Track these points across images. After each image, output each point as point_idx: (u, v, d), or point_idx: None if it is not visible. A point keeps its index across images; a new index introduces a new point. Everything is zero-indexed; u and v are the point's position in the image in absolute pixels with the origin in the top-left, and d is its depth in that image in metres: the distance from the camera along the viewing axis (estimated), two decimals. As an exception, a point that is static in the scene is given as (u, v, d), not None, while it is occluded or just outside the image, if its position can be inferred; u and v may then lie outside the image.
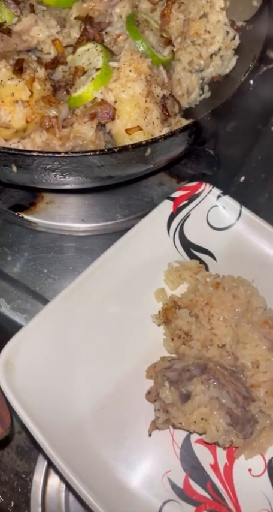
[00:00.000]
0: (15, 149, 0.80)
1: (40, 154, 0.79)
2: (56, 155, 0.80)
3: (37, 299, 1.09)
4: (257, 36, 1.07)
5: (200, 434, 0.90)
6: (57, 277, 1.12)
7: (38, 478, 1.19)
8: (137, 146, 0.83)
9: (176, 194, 1.15)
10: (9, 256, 1.13)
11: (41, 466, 1.21)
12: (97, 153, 0.81)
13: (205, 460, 0.91)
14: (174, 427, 0.91)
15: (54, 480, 1.19)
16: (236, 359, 0.93)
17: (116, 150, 0.82)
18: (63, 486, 1.18)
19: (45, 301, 1.09)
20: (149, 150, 0.85)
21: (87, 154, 0.80)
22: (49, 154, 0.80)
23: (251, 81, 0.97)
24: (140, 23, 1.13)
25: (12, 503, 1.45)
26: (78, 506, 1.18)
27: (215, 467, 0.91)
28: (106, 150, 0.82)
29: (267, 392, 0.90)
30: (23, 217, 1.16)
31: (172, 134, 0.86)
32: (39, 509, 1.17)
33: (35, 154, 0.78)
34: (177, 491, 0.89)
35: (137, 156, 0.86)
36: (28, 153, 0.79)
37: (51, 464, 1.08)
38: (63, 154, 0.80)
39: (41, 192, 1.18)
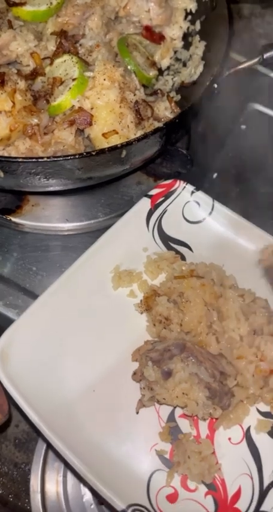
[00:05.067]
0: (1, 156, 0.88)
1: (24, 160, 0.86)
2: (39, 160, 0.88)
3: (28, 295, 1.17)
4: (220, 43, 1.16)
5: (182, 408, 0.98)
6: (45, 274, 1.20)
7: (36, 467, 1.26)
8: (113, 149, 0.91)
9: (153, 192, 1.24)
10: (-1, 256, 1.21)
11: (39, 456, 1.28)
12: (77, 156, 0.89)
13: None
14: (158, 402, 0.99)
15: (51, 469, 1.26)
16: (222, 334, 1.01)
17: (94, 153, 0.90)
18: (61, 474, 1.25)
19: (35, 297, 1.16)
20: (124, 152, 0.93)
21: (67, 158, 0.88)
22: (33, 160, 0.87)
23: (215, 85, 1.06)
24: (130, 45, 1.25)
25: (13, 493, 1.52)
26: (76, 490, 1.25)
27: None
28: (84, 154, 0.91)
29: (251, 363, 0.98)
30: (10, 219, 1.24)
31: (144, 136, 0.95)
32: (39, 496, 1.23)
33: (20, 160, 0.86)
34: (164, 461, 0.98)
35: (113, 157, 0.94)
36: (13, 159, 0.87)
37: (49, 446, 1.14)
38: (45, 159, 0.88)
39: (27, 195, 1.25)
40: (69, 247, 1.24)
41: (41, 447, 1.30)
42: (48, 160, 0.88)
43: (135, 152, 0.97)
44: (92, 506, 1.24)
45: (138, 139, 0.93)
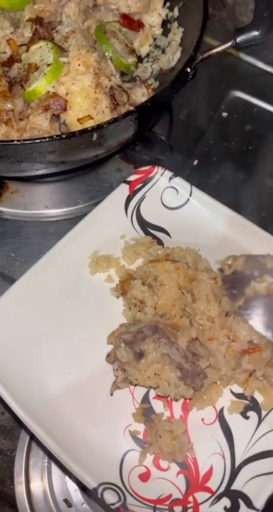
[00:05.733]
0: None
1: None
2: (10, 143, 0.89)
3: (6, 281, 1.18)
4: (196, 29, 1.17)
5: (155, 389, 1.00)
6: (24, 260, 1.21)
7: (20, 453, 1.27)
8: (83, 132, 0.92)
9: (132, 178, 1.25)
10: (-22, 242, 1.22)
11: (23, 442, 1.29)
12: (47, 139, 0.90)
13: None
14: (131, 384, 1.00)
15: (36, 455, 1.27)
16: (193, 316, 1.02)
17: (64, 135, 0.91)
18: (45, 461, 1.26)
19: (13, 282, 1.18)
20: (95, 135, 0.94)
21: (37, 141, 0.89)
22: (3, 142, 0.88)
23: (188, 69, 1.07)
24: (108, 32, 1.25)
25: (-2, 480, 1.51)
26: (60, 476, 1.26)
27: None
28: (54, 136, 0.92)
29: (223, 344, 1.00)
30: (-12, 206, 1.25)
31: (115, 120, 0.95)
32: (23, 482, 1.24)
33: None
34: (137, 442, 0.99)
35: (85, 141, 0.95)
36: (-17, 142, 0.88)
37: (33, 438, 1.15)
38: (15, 142, 0.89)
39: (6, 182, 1.26)
40: (49, 234, 1.25)
41: (26, 433, 1.32)
42: (18, 143, 0.89)
43: (107, 136, 0.98)
44: (76, 491, 1.25)
45: (109, 122, 0.94)
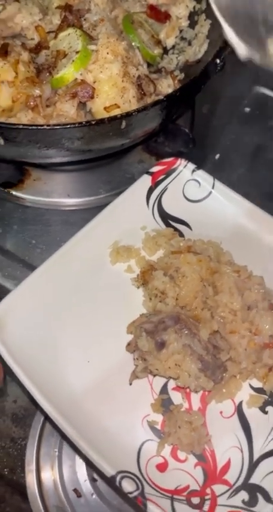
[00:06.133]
0: (2, 122, 0.89)
1: (25, 127, 0.87)
2: (39, 127, 0.89)
3: (26, 267, 1.18)
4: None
5: (175, 380, 0.99)
6: (45, 248, 1.21)
7: (32, 441, 1.27)
8: (113, 119, 0.92)
9: (154, 169, 1.24)
10: (-1, 228, 1.22)
11: (35, 430, 1.29)
12: (76, 125, 0.90)
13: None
14: (151, 373, 1.00)
15: (47, 444, 1.28)
16: (215, 308, 1.02)
17: (93, 122, 0.91)
18: (56, 450, 1.26)
19: (33, 269, 1.18)
20: (124, 123, 0.94)
21: (67, 126, 0.89)
22: (33, 127, 0.88)
23: (218, 61, 1.06)
24: (135, 22, 1.25)
25: (8, 467, 1.53)
26: (70, 466, 1.27)
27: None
28: (84, 123, 0.92)
29: (244, 337, 0.99)
30: (11, 193, 1.25)
31: (144, 108, 0.95)
32: (34, 470, 1.25)
33: (20, 127, 0.87)
34: (155, 432, 0.99)
35: (113, 128, 0.95)
36: (14, 126, 0.88)
37: (47, 419, 1.16)
38: (45, 127, 0.89)
39: (28, 170, 1.26)
40: (70, 222, 1.25)
41: (38, 421, 1.32)
42: (48, 128, 0.89)
43: (135, 124, 0.98)
44: (86, 482, 1.26)
45: (138, 111, 0.94)
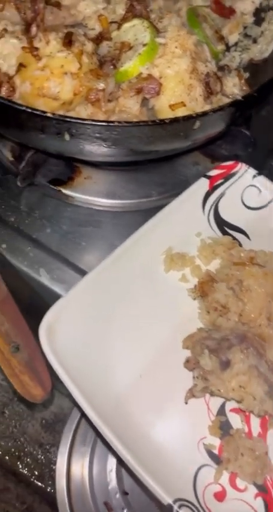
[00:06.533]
0: (71, 117, 0.82)
1: (96, 123, 0.81)
2: (110, 124, 0.82)
3: (75, 270, 1.12)
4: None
5: (238, 402, 0.92)
6: (95, 250, 1.15)
7: (63, 450, 1.22)
8: (188, 118, 0.85)
9: (213, 173, 1.17)
10: (48, 228, 1.16)
11: (67, 438, 1.24)
12: (149, 123, 0.83)
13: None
14: (212, 394, 0.93)
15: (78, 453, 1.23)
16: None
17: (167, 121, 0.84)
18: (87, 459, 1.21)
19: (83, 273, 1.12)
20: (197, 123, 0.87)
21: (140, 124, 0.83)
22: (104, 123, 0.82)
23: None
24: (200, 16, 1.18)
25: (36, 473, 1.48)
26: (101, 477, 1.21)
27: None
28: (157, 121, 0.85)
29: None
30: (60, 191, 1.19)
31: (220, 108, 0.88)
32: (64, 479, 1.20)
33: (94, 123, 0.80)
34: (212, 457, 0.92)
35: (185, 128, 0.88)
36: (83, 121, 0.81)
37: (95, 430, 1.10)
38: (116, 123, 0.82)
39: (79, 167, 1.20)
40: (120, 225, 1.18)
41: (70, 429, 1.27)
42: (120, 125, 0.82)
43: (208, 125, 0.91)
44: (117, 496, 1.21)
45: (214, 111, 0.87)
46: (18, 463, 1.49)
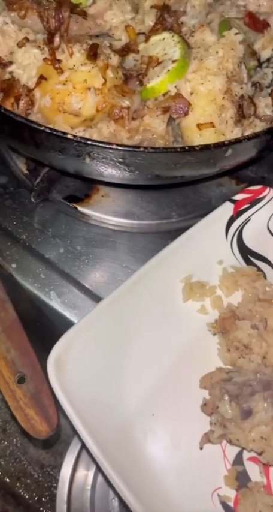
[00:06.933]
0: (93, 140, 0.76)
1: (118, 148, 0.74)
2: (135, 149, 0.75)
3: (88, 295, 1.06)
4: None
5: (258, 454, 0.85)
6: (110, 274, 1.08)
7: (65, 472, 1.16)
8: (219, 146, 0.78)
9: (238, 197, 1.10)
10: (61, 248, 1.09)
11: (70, 460, 1.18)
12: (178, 149, 0.76)
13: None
14: (230, 443, 0.87)
15: (80, 477, 1.17)
16: None
17: (197, 148, 0.77)
18: (89, 485, 1.16)
19: (96, 298, 1.05)
20: (230, 151, 0.80)
21: (167, 150, 0.76)
22: (128, 148, 0.75)
23: None
24: (232, 29, 1.10)
25: (36, 497, 1.43)
26: (104, 505, 1.16)
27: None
28: (187, 148, 0.78)
29: None
30: (76, 208, 1.13)
31: (255, 136, 0.81)
32: (65, 506, 1.14)
33: (113, 147, 0.74)
34: (227, 509, 0.85)
35: (216, 156, 0.81)
36: (105, 145, 0.74)
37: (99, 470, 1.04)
38: (142, 149, 0.75)
39: (97, 184, 1.14)
40: (138, 248, 1.12)
41: (72, 452, 1.21)
42: (147, 151, 0.75)
43: (240, 152, 0.84)
44: (118, 523, 1.14)
45: (248, 138, 0.80)
46: (18, 484, 1.44)
